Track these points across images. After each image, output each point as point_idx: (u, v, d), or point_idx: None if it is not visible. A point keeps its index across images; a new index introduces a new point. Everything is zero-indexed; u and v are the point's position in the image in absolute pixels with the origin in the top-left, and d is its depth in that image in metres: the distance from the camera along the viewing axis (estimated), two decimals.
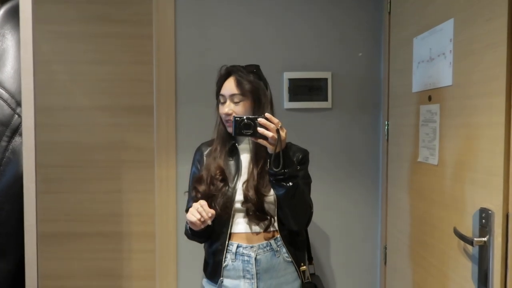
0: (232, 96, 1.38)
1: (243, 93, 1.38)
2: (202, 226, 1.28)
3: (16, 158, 0.92)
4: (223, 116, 1.40)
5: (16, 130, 0.89)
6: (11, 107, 0.91)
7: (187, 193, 1.50)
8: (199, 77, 1.89)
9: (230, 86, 1.39)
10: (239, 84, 1.38)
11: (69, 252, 1.94)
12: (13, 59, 0.93)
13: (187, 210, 1.42)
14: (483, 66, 1.12)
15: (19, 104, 0.89)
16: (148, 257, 1.94)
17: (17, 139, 0.89)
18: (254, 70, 1.43)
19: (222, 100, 1.41)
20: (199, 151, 1.50)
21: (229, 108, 1.38)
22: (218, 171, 1.39)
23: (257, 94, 1.41)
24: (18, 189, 0.93)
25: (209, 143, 1.50)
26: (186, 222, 1.38)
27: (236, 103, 1.38)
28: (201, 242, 1.47)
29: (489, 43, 1.09)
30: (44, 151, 1.90)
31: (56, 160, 1.92)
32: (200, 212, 1.26)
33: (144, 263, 1.95)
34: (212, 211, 1.28)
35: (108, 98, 1.92)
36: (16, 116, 0.89)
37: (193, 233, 1.38)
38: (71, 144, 1.92)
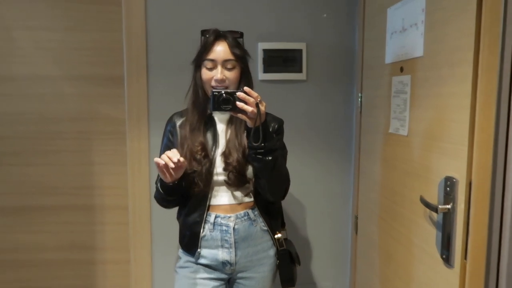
0: (225, 61, 1.33)
1: (236, 58, 1.34)
2: (172, 177, 1.26)
3: None
4: (212, 82, 1.33)
5: None
6: None
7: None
8: (170, 45, 1.83)
9: (223, 51, 1.33)
10: (233, 49, 1.33)
11: (40, 225, 1.91)
12: None
13: (156, 182, 1.41)
14: (452, 36, 1.12)
15: None
16: (122, 229, 1.94)
17: None
18: (239, 37, 1.39)
19: (210, 66, 1.33)
20: (171, 122, 1.46)
21: (222, 74, 1.32)
22: (199, 147, 1.35)
23: (246, 61, 1.38)
24: None
25: (181, 113, 1.46)
26: (156, 183, 1.38)
27: (229, 69, 1.34)
28: (171, 205, 1.43)
29: (458, 12, 1.09)
30: (8, 122, 1.84)
31: (21, 132, 1.86)
32: (170, 156, 1.23)
33: (118, 235, 1.95)
34: (182, 159, 1.25)
35: (75, 67, 1.85)
36: None
37: (164, 190, 1.35)
38: (38, 115, 1.86)
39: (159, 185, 1.37)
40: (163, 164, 1.23)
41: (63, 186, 1.90)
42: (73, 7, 1.82)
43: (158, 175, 1.43)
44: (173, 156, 1.24)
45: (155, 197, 1.43)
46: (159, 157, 1.39)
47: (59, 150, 1.89)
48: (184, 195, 1.38)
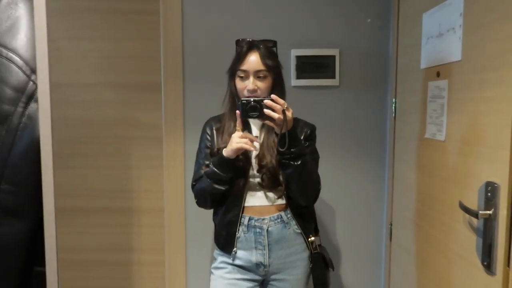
0: (257, 71, 1.37)
1: (268, 69, 1.38)
2: (252, 148, 1.33)
3: (32, 123, 0.95)
4: (244, 92, 1.38)
5: (32, 97, 0.91)
6: (26, 74, 0.93)
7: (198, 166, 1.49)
8: (206, 53, 1.89)
9: (255, 61, 1.37)
10: (265, 59, 1.37)
11: (81, 226, 1.99)
12: (26, 27, 0.94)
13: (195, 181, 1.45)
14: (493, 39, 1.11)
15: (33, 71, 0.90)
16: (157, 232, 1.99)
17: (32, 105, 0.91)
18: (272, 46, 1.42)
19: (243, 75, 1.38)
20: (208, 125, 1.50)
21: (254, 84, 1.37)
22: None
23: (279, 71, 1.42)
24: (35, 153, 0.96)
25: (218, 118, 1.51)
26: (198, 180, 1.43)
27: (261, 79, 1.38)
28: (213, 199, 1.43)
29: (498, 15, 1.08)
30: (56, 127, 1.92)
31: (66, 136, 1.95)
32: (245, 136, 1.32)
33: (154, 237, 2.00)
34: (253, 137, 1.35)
35: (116, 75, 1.94)
36: (31, 82, 0.91)
37: (224, 167, 1.36)
38: (80, 121, 1.95)
39: (214, 167, 1.37)
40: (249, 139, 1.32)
41: (102, 189, 1.98)
42: (113, 18, 1.91)
43: (195, 175, 1.46)
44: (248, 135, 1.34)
45: (201, 188, 1.42)
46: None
47: (99, 154, 1.97)
48: (228, 188, 1.40)
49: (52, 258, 1.04)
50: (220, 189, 1.38)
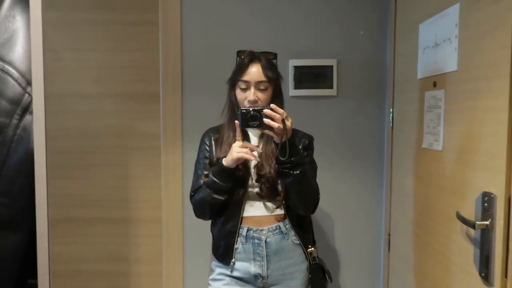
0: (258, 83, 1.38)
1: (269, 80, 1.39)
2: (252, 158, 1.33)
3: (27, 135, 0.95)
4: (245, 103, 1.38)
5: (27, 109, 0.92)
6: (21, 86, 0.94)
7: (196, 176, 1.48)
8: (205, 63, 1.90)
9: (256, 73, 1.38)
10: (266, 71, 1.38)
11: (79, 237, 1.98)
12: (23, 40, 0.95)
13: (193, 191, 1.45)
14: (488, 49, 1.12)
15: (29, 83, 0.91)
16: (155, 242, 1.98)
17: (27, 117, 0.91)
18: (273, 58, 1.44)
19: (243, 86, 1.39)
20: (207, 136, 1.51)
21: (255, 95, 1.37)
22: None
23: (279, 83, 1.44)
24: (30, 165, 0.96)
25: (217, 129, 1.51)
26: (197, 190, 1.42)
27: (262, 90, 1.39)
28: (211, 210, 1.42)
29: (493, 25, 1.09)
30: (54, 138, 1.93)
31: (65, 146, 1.95)
32: (246, 145, 1.34)
33: (151, 248, 1.99)
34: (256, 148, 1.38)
35: (115, 85, 1.95)
36: (27, 95, 0.92)
37: (223, 176, 1.35)
38: (79, 131, 1.95)
39: (213, 177, 1.37)
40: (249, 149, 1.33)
41: (100, 199, 1.98)
42: (113, 28, 1.93)
43: (194, 185, 1.46)
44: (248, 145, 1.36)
45: (200, 198, 1.41)
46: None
47: (98, 164, 1.97)
48: (227, 198, 1.39)
49: (44, 271, 1.04)
50: (220, 199, 1.38)
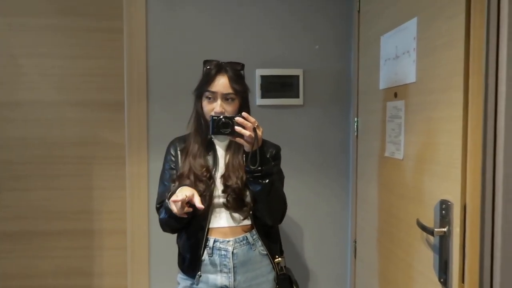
0: (225, 94, 1.37)
1: (236, 92, 1.38)
2: (183, 211, 1.23)
3: None
4: (212, 113, 1.35)
5: None
6: None
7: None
8: (171, 72, 1.88)
9: (223, 84, 1.37)
10: (233, 83, 1.37)
11: (37, 250, 1.91)
12: None
13: (159, 204, 1.42)
14: (443, 62, 1.16)
15: None
16: (120, 254, 1.93)
17: None
18: (240, 69, 1.43)
19: (210, 97, 1.38)
20: (173, 145, 1.48)
21: (221, 107, 1.36)
22: (204, 169, 1.38)
23: (246, 95, 1.43)
24: None
25: (183, 138, 1.49)
26: (162, 207, 1.37)
27: (228, 101, 1.38)
28: (176, 229, 1.41)
29: (448, 40, 1.13)
30: (12, 147, 1.86)
31: (25, 157, 1.88)
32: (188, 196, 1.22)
33: (116, 260, 1.94)
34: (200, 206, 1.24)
35: (78, 93, 1.90)
36: None
37: (173, 217, 1.29)
38: (40, 140, 1.89)
39: (166, 210, 1.33)
40: (183, 199, 1.21)
41: (63, 210, 1.91)
42: (76, 35, 1.88)
43: (160, 198, 1.44)
44: (196, 200, 1.24)
45: (163, 218, 1.36)
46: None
47: (60, 175, 1.90)
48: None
49: None
50: (178, 226, 1.37)
